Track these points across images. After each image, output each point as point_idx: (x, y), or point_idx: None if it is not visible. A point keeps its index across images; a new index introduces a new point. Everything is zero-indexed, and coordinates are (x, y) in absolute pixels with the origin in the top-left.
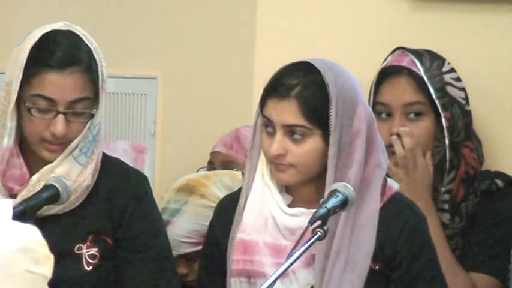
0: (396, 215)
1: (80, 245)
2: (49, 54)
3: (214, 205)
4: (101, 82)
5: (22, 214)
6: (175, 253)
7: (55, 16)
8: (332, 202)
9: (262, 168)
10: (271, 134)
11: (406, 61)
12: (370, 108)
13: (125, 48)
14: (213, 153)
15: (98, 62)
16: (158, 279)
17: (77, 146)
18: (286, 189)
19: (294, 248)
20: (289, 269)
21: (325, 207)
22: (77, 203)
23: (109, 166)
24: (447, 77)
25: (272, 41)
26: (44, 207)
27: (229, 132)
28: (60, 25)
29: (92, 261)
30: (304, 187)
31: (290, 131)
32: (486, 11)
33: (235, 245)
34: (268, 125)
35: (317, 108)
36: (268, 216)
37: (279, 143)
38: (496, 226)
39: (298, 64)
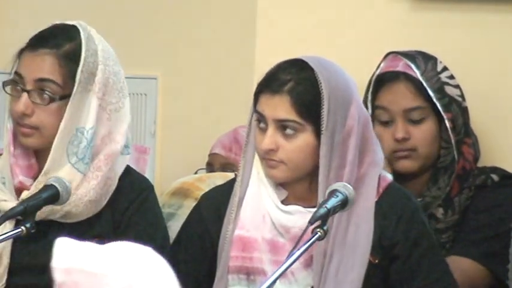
0: (392, 205)
1: None
2: (34, 37)
3: None
4: (83, 81)
5: (22, 214)
6: None
7: (55, 16)
8: (332, 202)
9: (257, 165)
10: (264, 130)
11: (401, 65)
12: (364, 108)
13: (125, 48)
14: (212, 155)
15: (92, 60)
16: None
17: (67, 149)
18: (281, 184)
19: (293, 248)
20: (288, 270)
21: (325, 207)
22: (82, 218)
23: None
24: (443, 77)
25: (272, 41)
26: (49, 212)
27: (226, 133)
28: (73, 23)
29: None
30: (298, 184)
31: (282, 126)
32: (486, 11)
33: (233, 241)
34: (261, 120)
35: (309, 105)
36: (265, 213)
37: (270, 137)
38: (485, 213)
39: (293, 61)
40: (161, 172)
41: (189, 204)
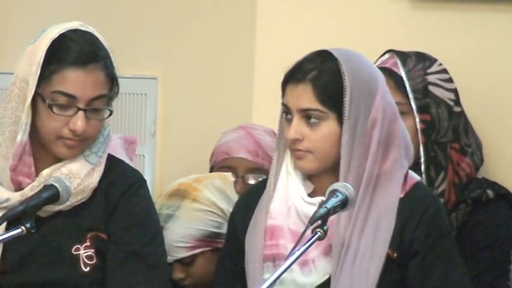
0: (417, 203)
1: (77, 245)
2: (69, 51)
3: (207, 208)
4: (115, 82)
5: (22, 214)
6: (171, 258)
7: (55, 16)
8: (332, 202)
9: (287, 158)
10: (290, 121)
11: (390, 63)
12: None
13: (125, 48)
14: (234, 159)
15: (113, 61)
16: (142, 272)
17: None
18: (308, 178)
19: (293, 247)
20: (309, 257)
21: (325, 207)
22: (80, 202)
23: (110, 165)
24: (432, 78)
25: (272, 41)
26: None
27: (243, 136)
28: (75, 24)
29: (89, 262)
30: (324, 176)
31: (306, 115)
32: (486, 11)
33: (266, 231)
34: (287, 112)
35: (332, 93)
36: (291, 204)
37: (295, 127)
38: (485, 251)
39: (319, 52)
40: (161, 172)
41: (187, 205)
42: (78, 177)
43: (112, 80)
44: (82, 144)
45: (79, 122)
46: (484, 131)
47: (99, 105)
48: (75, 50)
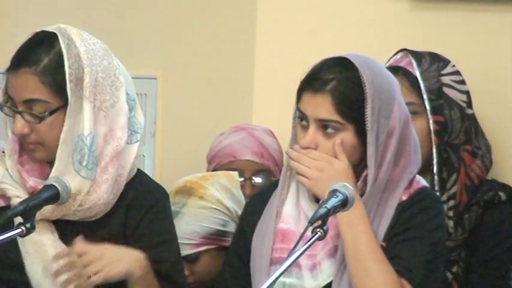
0: (417, 204)
1: None
2: (15, 55)
3: (213, 206)
4: (74, 89)
5: (22, 214)
6: None
7: (55, 18)
8: (332, 202)
9: None
10: (306, 128)
11: (404, 62)
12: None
13: (125, 48)
14: (241, 162)
15: (76, 66)
16: None
17: (72, 157)
18: None
19: (294, 247)
20: (317, 260)
21: (325, 207)
22: (95, 218)
23: (133, 180)
24: (446, 79)
25: (272, 41)
26: (65, 213)
27: (246, 137)
28: (53, 27)
29: None
30: None
31: (323, 125)
32: (486, 11)
33: (276, 234)
34: (302, 118)
35: (351, 104)
36: (301, 209)
37: (311, 136)
38: (501, 257)
39: (337, 59)
40: (161, 172)
41: (193, 203)
42: (79, 194)
43: (57, 89)
44: (42, 147)
45: (15, 124)
46: (490, 134)
47: (37, 109)
48: (16, 54)
